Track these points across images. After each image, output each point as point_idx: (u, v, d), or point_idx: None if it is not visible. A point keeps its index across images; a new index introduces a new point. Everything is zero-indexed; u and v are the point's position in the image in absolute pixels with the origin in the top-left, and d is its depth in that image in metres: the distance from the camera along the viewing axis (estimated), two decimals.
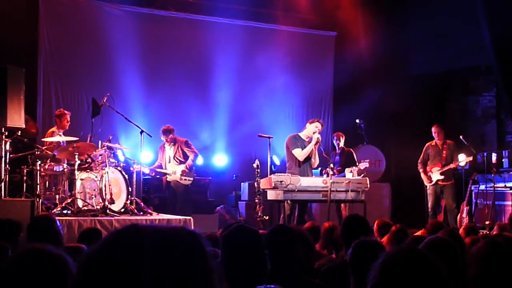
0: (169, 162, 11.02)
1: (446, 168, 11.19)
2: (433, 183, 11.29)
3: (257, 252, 3.28)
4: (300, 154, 9.91)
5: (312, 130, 9.99)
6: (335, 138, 11.75)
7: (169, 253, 1.35)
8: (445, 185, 11.28)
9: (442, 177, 11.22)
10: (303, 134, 10.14)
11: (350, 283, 3.45)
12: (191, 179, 11.01)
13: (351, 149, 11.63)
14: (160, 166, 11.04)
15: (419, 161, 11.51)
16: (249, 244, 3.31)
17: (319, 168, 11.31)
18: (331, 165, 9.82)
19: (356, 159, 11.32)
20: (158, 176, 11.29)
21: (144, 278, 1.30)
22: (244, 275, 3.23)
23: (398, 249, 2.11)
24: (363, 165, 10.78)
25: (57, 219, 5.20)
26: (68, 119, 10.22)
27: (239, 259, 3.26)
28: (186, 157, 11.03)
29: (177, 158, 11.00)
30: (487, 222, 10.86)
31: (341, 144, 11.57)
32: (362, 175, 10.48)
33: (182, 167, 10.92)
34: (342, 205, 10.96)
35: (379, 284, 2.00)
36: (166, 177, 11.03)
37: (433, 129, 11.49)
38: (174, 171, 10.93)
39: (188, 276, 1.35)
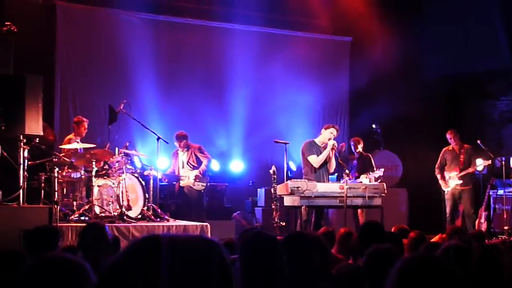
0: (183, 167, 11.04)
1: (464, 173, 11.13)
2: (451, 188, 11.23)
3: (275, 258, 3.27)
4: (315, 160, 9.90)
5: (327, 136, 9.96)
6: (352, 143, 11.69)
7: (188, 264, 1.36)
8: (463, 190, 11.21)
9: (460, 182, 11.16)
10: (318, 140, 10.12)
11: None
12: (204, 184, 11.02)
13: (369, 154, 11.57)
14: (174, 172, 11.07)
15: (436, 166, 11.45)
16: (268, 250, 3.30)
17: (336, 174, 11.28)
18: (347, 171, 9.81)
19: (374, 164, 11.28)
20: (174, 182, 11.32)
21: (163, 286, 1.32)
22: (262, 281, 3.22)
23: (414, 256, 2.10)
24: (378, 173, 10.66)
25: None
26: (86, 126, 10.30)
27: (257, 265, 3.25)
28: (199, 162, 11.05)
29: (191, 164, 11.03)
30: (505, 227, 10.78)
31: (359, 149, 11.51)
32: (379, 180, 10.45)
33: (196, 172, 10.94)
34: (359, 210, 10.90)
35: None
36: (179, 183, 11.05)
37: (447, 135, 11.45)
38: (188, 176, 10.95)
39: (208, 286, 1.36)
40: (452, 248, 3.41)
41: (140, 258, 1.37)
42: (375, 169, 10.96)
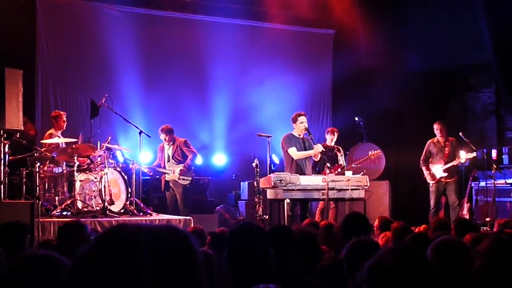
0: (168, 161, 10.99)
1: (448, 165, 11.14)
2: (436, 180, 11.24)
3: (262, 249, 3.28)
4: (295, 154, 9.97)
5: (302, 126, 10.04)
6: (331, 134, 11.50)
7: (164, 249, 1.37)
8: (448, 182, 11.23)
9: (445, 174, 11.18)
10: (295, 132, 10.20)
11: (348, 282, 3.43)
12: (189, 178, 10.98)
13: (339, 147, 11.53)
14: (159, 166, 11.02)
15: (421, 158, 11.44)
16: (254, 240, 3.31)
17: (317, 168, 11.28)
18: (328, 164, 9.83)
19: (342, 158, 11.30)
20: (157, 177, 11.27)
21: (142, 272, 1.32)
22: (248, 271, 3.23)
23: (387, 250, 2.09)
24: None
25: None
26: (64, 119, 10.21)
27: (244, 255, 3.26)
28: (185, 156, 10.99)
29: (176, 158, 10.98)
30: (487, 219, 10.83)
31: (333, 142, 11.45)
32: (362, 173, 10.46)
33: (181, 166, 10.90)
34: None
35: (369, 285, 1.98)
36: (165, 177, 11.00)
37: (435, 126, 11.41)
38: (173, 170, 10.91)
39: (182, 270, 1.37)
40: (444, 244, 3.36)
41: (121, 244, 1.37)
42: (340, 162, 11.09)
